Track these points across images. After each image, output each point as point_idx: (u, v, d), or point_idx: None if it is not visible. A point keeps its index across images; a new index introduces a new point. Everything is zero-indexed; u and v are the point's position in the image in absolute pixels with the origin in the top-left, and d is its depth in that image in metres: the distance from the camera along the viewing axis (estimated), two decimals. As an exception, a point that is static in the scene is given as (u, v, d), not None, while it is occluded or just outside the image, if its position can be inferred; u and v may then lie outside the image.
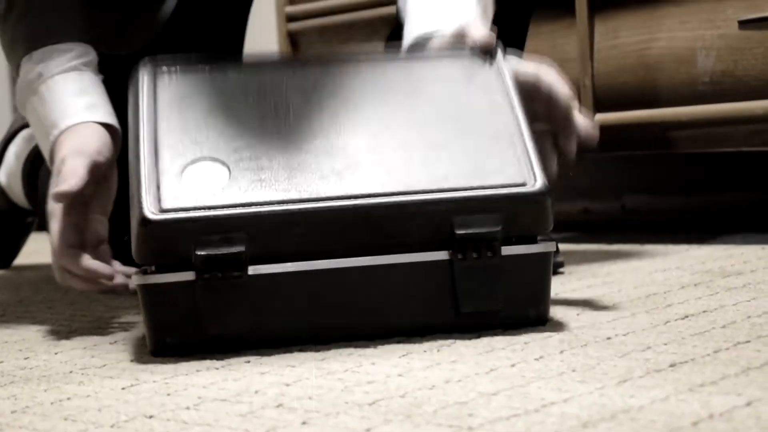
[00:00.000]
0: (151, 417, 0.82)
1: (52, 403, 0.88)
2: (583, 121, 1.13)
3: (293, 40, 2.15)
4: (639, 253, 1.59)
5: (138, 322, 1.23)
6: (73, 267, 1.15)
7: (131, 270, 1.11)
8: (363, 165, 1.04)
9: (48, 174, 1.60)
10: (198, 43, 1.55)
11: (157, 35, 1.48)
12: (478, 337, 1.02)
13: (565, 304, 1.18)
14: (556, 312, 1.13)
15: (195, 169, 1.04)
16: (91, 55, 1.27)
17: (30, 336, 1.21)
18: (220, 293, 1.00)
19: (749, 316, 1.04)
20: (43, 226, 1.79)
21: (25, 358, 1.08)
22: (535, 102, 1.12)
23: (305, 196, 1.02)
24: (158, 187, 1.02)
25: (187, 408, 0.83)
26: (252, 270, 1.01)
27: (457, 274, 1.02)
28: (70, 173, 1.15)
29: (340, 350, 1.00)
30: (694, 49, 1.62)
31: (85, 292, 1.44)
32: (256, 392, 0.87)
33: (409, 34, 1.20)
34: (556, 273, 1.42)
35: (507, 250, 1.03)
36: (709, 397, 0.75)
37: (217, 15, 1.56)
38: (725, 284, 1.23)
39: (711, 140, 1.64)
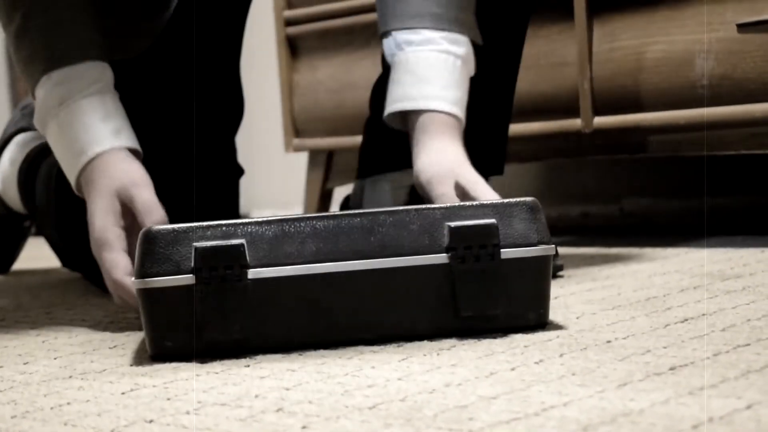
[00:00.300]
0: (150, 422, 0.82)
1: (51, 408, 0.88)
2: None
3: (291, 44, 2.15)
4: (638, 256, 1.59)
5: (138, 327, 1.23)
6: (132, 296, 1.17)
7: None
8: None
9: (47, 179, 1.61)
10: (196, 48, 1.55)
11: (155, 41, 1.48)
12: (478, 340, 1.02)
13: (565, 307, 1.18)
14: (555, 315, 1.13)
15: None
16: (108, 74, 1.28)
17: (29, 341, 1.21)
18: (220, 297, 1.00)
19: (749, 319, 1.04)
20: (40, 231, 1.79)
21: (25, 363, 1.08)
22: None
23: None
24: None
25: (187, 412, 0.83)
26: (251, 274, 1.01)
27: (456, 278, 1.02)
28: (148, 208, 1.18)
29: (340, 354, 1.00)
30: (693, 52, 1.62)
31: (84, 297, 1.44)
32: (256, 396, 0.87)
33: (391, 104, 1.25)
34: (555, 276, 1.42)
35: (506, 254, 1.03)
36: (709, 400, 0.75)
37: (215, 20, 1.57)
38: (725, 287, 1.23)
39: (710, 143, 1.64)
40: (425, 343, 1.03)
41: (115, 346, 1.14)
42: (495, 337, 1.03)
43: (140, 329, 1.19)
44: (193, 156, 1.55)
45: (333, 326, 1.03)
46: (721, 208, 1.91)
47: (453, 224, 1.03)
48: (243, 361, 1.00)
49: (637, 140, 1.71)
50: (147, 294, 1.01)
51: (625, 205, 2.04)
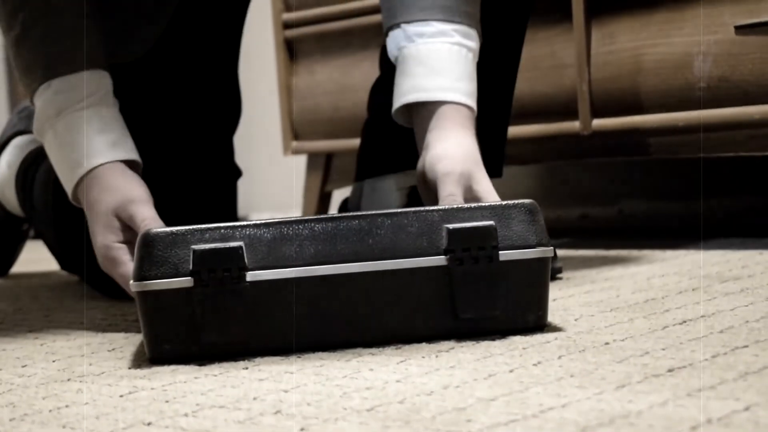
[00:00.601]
0: (149, 424, 0.82)
1: (50, 411, 0.88)
2: None
3: (290, 47, 2.15)
4: (637, 258, 1.59)
5: (136, 330, 1.23)
6: None
7: None
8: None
9: (44, 182, 1.60)
10: (195, 51, 1.55)
11: (154, 44, 1.48)
12: (477, 342, 1.02)
13: (563, 309, 1.18)
14: (554, 317, 1.13)
15: None
16: (108, 84, 1.28)
17: (28, 344, 1.21)
18: (218, 299, 1.00)
19: (747, 321, 1.04)
20: (38, 235, 1.79)
21: (23, 366, 1.08)
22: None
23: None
24: None
25: (186, 415, 0.83)
26: (250, 276, 1.01)
27: (455, 280, 1.02)
28: (148, 225, 1.17)
29: (338, 356, 1.00)
30: (691, 54, 1.62)
31: (82, 300, 1.44)
32: (255, 399, 0.87)
33: (401, 96, 1.23)
34: (554, 279, 1.42)
35: (504, 256, 1.03)
36: (708, 402, 0.75)
37: (213, 22, 1.57)
38: (723, 289, 1.23)
39: (708, 145, 1.64)
40: (423, 345, 1.03)
41: (113, 349, 1.14)
42: (493, 339, 1.03)
43: (139, 332, 1.19)
44: (190, 158, 1.55)
45: (331, 328, 1.03)
46: (720, 210, 1.91)
47: (451, 226, 1.03)
48: (241, 364, 1.00)
49: (636, 142, 1.71)
50: (145, 297, 1.01)
51: (624, 207, 2.04)
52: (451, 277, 1.03)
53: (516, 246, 1.04)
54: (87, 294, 1.60)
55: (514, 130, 1.69)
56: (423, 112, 1.22)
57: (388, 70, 1.34)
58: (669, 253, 1.61)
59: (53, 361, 1.09)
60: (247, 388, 0.91)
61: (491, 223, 1.03)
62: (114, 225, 1.20)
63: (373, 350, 1.02)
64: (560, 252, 1.71)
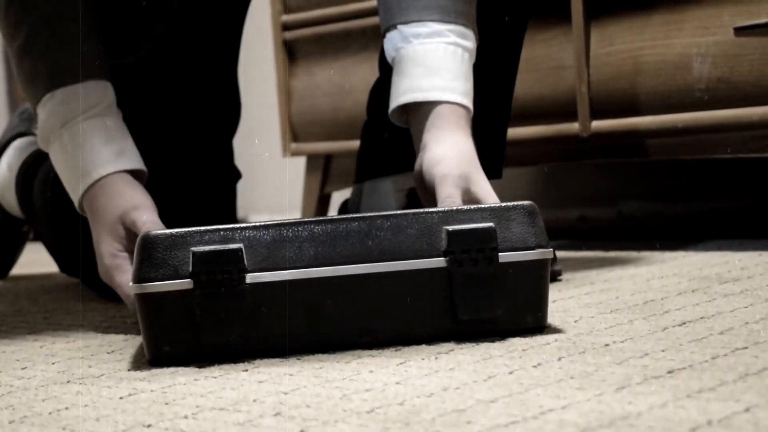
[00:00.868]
0: (149, 426, 0.82)
1: (50, 413, 0.88)
2: None
3: (289, 49, 2.15)
4: (636, 259, 1.59)
5: (136, 332, 1.23)
6: None
7: None
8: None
9: (44, 184, 1.60)
10: (195, 53, 1.55)
11: (154, 45, 1.48)
12: (476, 344, 1.02)
13: (563, 311, 1.18)
14: (553, 319, 1.13)
15: None
16: (111, 93, 1.28)
17: (27, 346, 1.21)
18: (218, 302, 1.00)
19: (747, 323, 1.04)
20: (38, 237, 1.79)
21: (23, 368, 1.08)
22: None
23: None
24: None
25: (185, 417, 0.83)
26: (249, 278, 1.01)
27: (454, 282, 1.02)
28: (151, 229, 1.18)
29: (338, 358, 1.00)
30: (690, 55, 1.62)
31: (82, 302, 1.44)
32: (254, 401, 0.87)
33: (398, 97, 1.23)
34: (554, 281, 1.42)
35: (504, 257, 1.03)
36: (707, 403, 0.75)
37: (213, 24, 1.57)
38: (722, 290, 1.23)
39: (707, 147, 1.64)
40: (423, 347, 1.03)
41: (113, 351, 1.14)
42: (493, 341, 1.03)
43: (138, 334, 1.19)
44: (190, 160, 1.55)
45: (331, 330, 1.03)
46: (719, 212, 1.91)
47: (451, 228, 1.03)
48: (241, 366, 1.00)
49: (635, 143, 1.71)
50: (145, 299, 1.01)
51: (623, 208, 2.04)
52: (450, 278, 1.03)
53: (515, 248, 1.04)
54: (86, 296, 1.60)
55: (513, 132, 1.69)
56: (419, 112, 1.22)
57: (387, 72, 1.34)
58: (668, 255, 1.61)
59: (53, 363, 1.09)
60: (247, 390, 0.91)
61: (491, 224, 1.03)
62: (118, 234, 1.20)
63: (373, 352, 1.02)
64: (559, 253, 1.71)
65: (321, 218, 1.03)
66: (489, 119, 1.46)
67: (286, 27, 2.15)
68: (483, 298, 1.03)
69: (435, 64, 1.22)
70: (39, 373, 1.05)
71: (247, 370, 0.98)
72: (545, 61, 1.78)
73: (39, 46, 1.27)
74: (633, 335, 1.01)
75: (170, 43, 1.51)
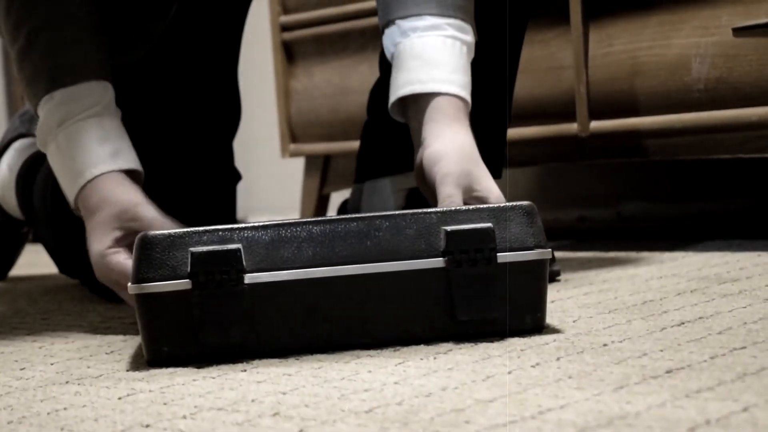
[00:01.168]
0: (147, 426, 0.82)
1: (48, 414, 0.88)
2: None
3: (287, 49, 2.15)
4: (635, 260, 1.59)
5: (134, 332, 1.23)
6: None
7: None
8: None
9: (43, 185, 1.60)
10: (195, 54, 1.55)
11: (154, 46, 1.48)
12: (475, 344, 1.02)
13: (562, 311, 1.18)
14: (552, 319, 1.13)
15: None
16: (110, 94, 1.28)
17: (26, 347, 1.21)
18: (216, 301, 1.00)
19: (745, 323, 1.04)
20: (37, 238, 1.79)
21: (21, 369, 1.08)
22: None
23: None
24: None
25: (184, 417, 0.83)
26: (248, 278, 1.01)
27: (453, 282, 1.02)
28: (161, 223, 1.19)
29: (336, 358, 1.00)
30: (689, 56, 1.62)
31: (81, 302, 1.44)
32: (253, 401, 0.87)
33: (397, 90, 1.22)
34: (553, 281, 1.42)
35: (503, 258, 1.03)
36: (706, 403, 0.75)
37: (213, 25, 1.57)
38: (721, 291, 1.23)
39: (706, 147, 1.64)
40: (422, 347, 1.03)
41: (111, 352, 1.14)
42: (492, 341, 1.03)
43: (137, 334, 1.19)
44: (190, 162, 1.55)
45: (329, 330, 1.03)
46: (718, 212, 1.91)
47: (449, 228, 1.03)
48: (239, 366, 1.00)
49: (634, 144, 1.71)
50: (143, 299, 1.01)
51: (622, 209, 2.04)
52: (449, 279, 1.03)
53: (514, 248, 1.04)
54: (85, 297, 1.60)
55: (512, 132, 1.69)
56: (418, 104, 1.22)
57: (387, 72, 1.34)
58: (667, 255, 1.61)
59: (51, 364, 1.09)
60: (246, 390, 0.91)
61: (489, 225, 1.03)
62: (111, 234, 1.20)
63: (372, 352, 1.02)
64: (558, 254, 1.71)
65: (319, 218, 1.03)
66: (489, 119, 1.46)
67: (285, 28, 2.15)
68: (481, 298, 1.03)
69: (433, 56, 1.22)
70: (37, 373, 1.05)
71: (245, 371, 0.98)
72: (544, 61, 1.78)
73: (39, 47, 1.27)
74: (631, 335, 1.01)
75: (170, 43, 1.51)
